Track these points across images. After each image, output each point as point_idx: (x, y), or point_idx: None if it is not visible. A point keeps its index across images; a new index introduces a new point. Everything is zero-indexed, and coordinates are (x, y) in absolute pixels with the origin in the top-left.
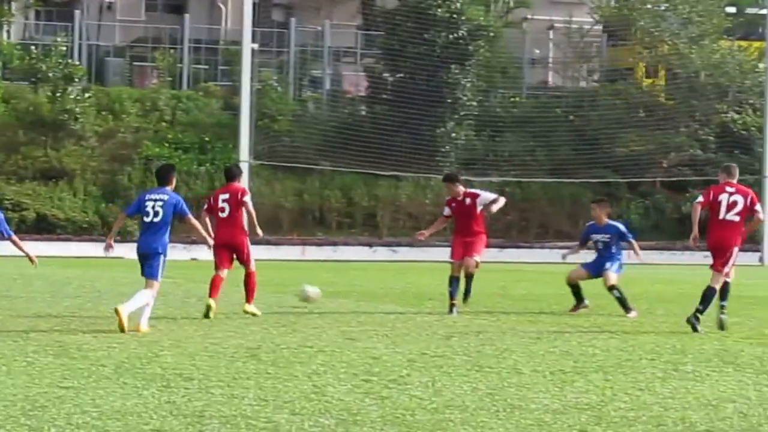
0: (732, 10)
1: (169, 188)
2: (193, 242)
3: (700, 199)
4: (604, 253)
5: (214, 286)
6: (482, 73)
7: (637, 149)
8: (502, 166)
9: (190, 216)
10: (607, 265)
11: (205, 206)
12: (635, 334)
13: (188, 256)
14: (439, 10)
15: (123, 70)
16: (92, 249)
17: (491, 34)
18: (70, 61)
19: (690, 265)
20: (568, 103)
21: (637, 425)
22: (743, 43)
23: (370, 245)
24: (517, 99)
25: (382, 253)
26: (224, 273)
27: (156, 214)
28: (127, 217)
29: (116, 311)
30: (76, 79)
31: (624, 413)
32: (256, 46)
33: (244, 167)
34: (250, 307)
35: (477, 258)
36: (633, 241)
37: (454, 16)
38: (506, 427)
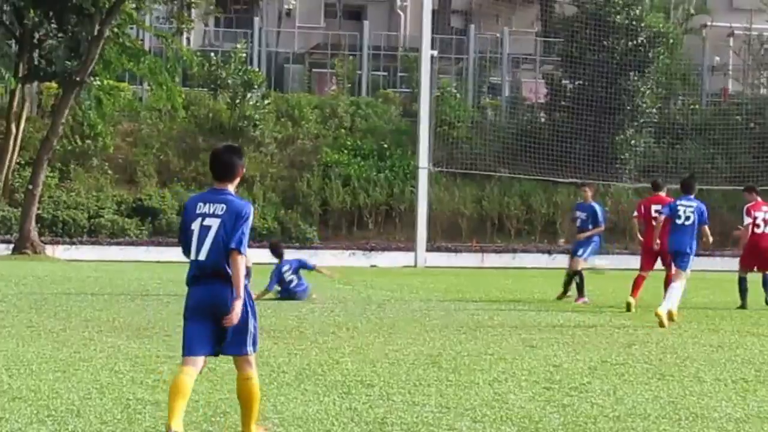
0: None
1: (692, 196)
2: (373, 249)
3: None
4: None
5: (636, 285)
6: (662, 80)
7: None
8: (681, 173)
9: (705, 226)
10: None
11: (635, 213)
12: None
13: (368, 263)
14: (619, 16)
15: (302, 76)
16: (269, 255)
17: (671, 41)
18: (249, 67)
19: None
20: (748, 111)
21: None
22: None
23: (549, 252)
24: (697, 106)
25: (561, 260)
26: (646, 274)
27: (687, 218)
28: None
29: (657, 314)
30: (256, 86)
31: None
32: (435, 52)
33: (423, 174)
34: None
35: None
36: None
37: (634, 22)
38: None
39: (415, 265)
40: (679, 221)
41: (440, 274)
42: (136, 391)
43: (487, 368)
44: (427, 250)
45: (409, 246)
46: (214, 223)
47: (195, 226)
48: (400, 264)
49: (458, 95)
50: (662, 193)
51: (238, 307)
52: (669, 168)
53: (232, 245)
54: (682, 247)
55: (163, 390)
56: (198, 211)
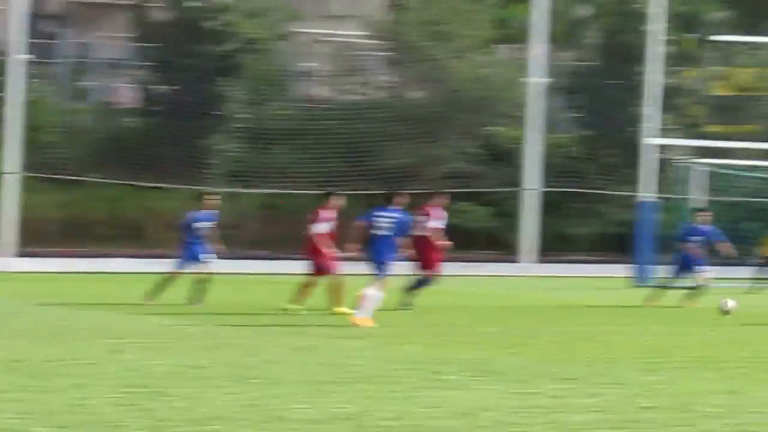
0: (501, 20)
1: (394, 207)
2: None
3: None
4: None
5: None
6: (253, 85)
7: (404, 162)
8: (273, 178)
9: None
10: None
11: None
12: (398, 345)
13: None
14: (211, 23)
15: None
16: None
17: (263, 47)
18: None
19: (458, 276)
20: (337, 116)
21: None
22: (507, 56)
23: (137, 257)
24: (288, 111)
25: (149, 264)
26: (318, 279)
27: (384, 228)
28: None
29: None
30: None
31: (385, 422)
32: (26, 56)
33: (13, 180)
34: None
35: None
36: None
37: (226, 28)
38: None
39: (1, 271)
40: (377, 232)
41: (28, 280)
42: None
43: (69, 373)
44: (17, 255)
45: None
46: None
47: None
48: None
49: (50, 99)
50: (330, 204)
51: None
52: (260, 173)
53: None
54: (379, 257)
55: None
56: None
